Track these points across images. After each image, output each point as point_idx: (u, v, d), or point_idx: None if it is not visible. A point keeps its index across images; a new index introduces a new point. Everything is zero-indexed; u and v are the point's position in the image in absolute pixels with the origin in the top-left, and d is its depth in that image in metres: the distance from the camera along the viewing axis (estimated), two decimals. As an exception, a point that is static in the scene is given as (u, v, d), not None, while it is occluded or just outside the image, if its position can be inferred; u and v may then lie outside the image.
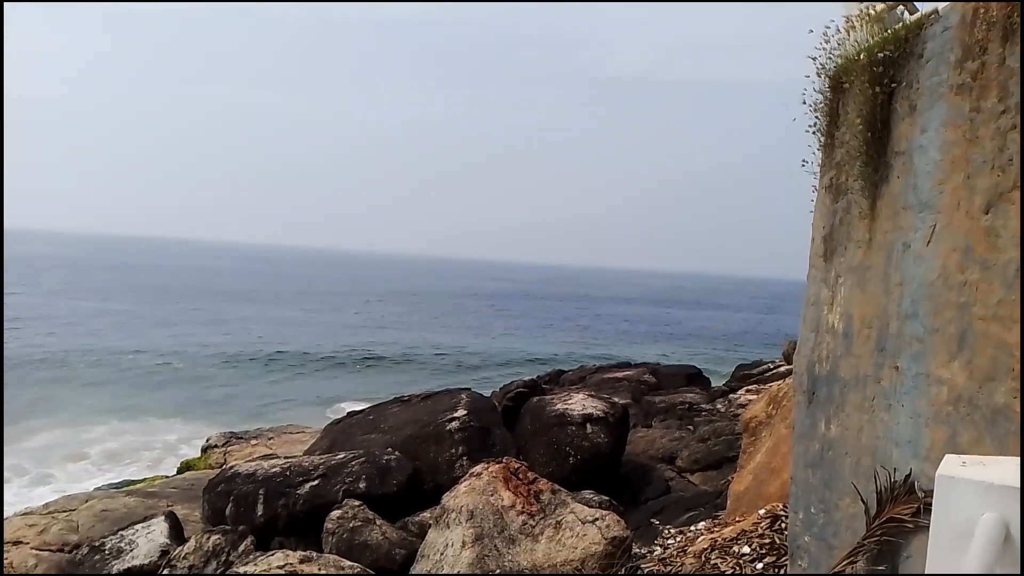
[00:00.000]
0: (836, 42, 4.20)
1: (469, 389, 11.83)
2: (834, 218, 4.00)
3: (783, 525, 4.73)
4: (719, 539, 4.89)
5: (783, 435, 6.11)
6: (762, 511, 5.10)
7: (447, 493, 6.70)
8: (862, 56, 3.84)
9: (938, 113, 3.27)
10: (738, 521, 5.42)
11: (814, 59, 4.35)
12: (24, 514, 10.53)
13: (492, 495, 6.37)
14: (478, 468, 6.72)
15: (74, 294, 60.22)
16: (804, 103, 4.40)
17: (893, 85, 3.58)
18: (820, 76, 4.29)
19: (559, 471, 9.45)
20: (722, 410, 13.17)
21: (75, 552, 8.32)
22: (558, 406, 10.36)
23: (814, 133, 4.41)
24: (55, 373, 29.04)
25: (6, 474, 16.87)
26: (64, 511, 10.30)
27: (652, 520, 8.85)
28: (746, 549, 4.62)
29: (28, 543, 9.65)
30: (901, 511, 3.14)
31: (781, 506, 5.00)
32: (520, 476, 6.61)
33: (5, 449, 18.46)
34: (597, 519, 6.12)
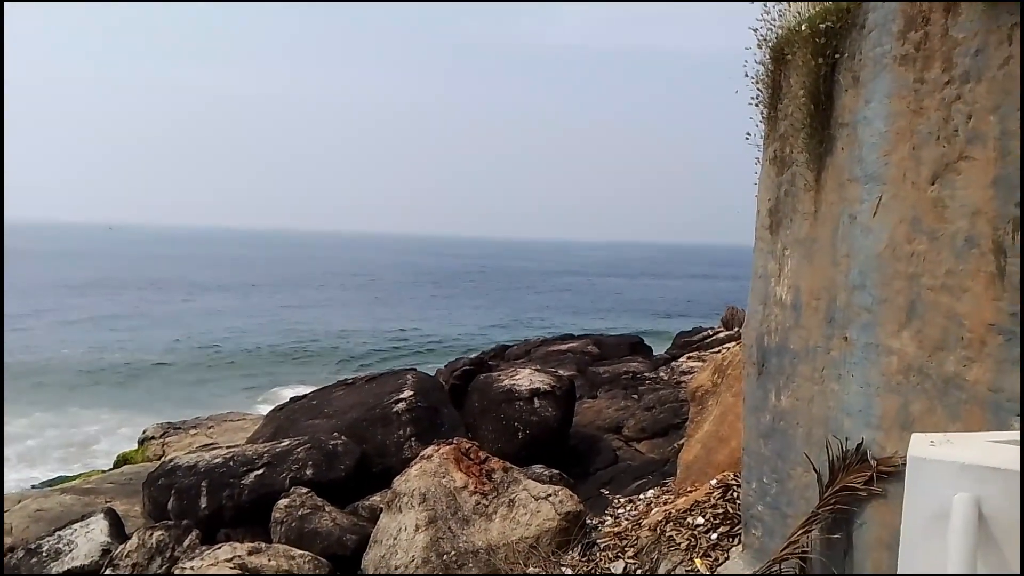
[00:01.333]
0: (777, 13, 4.19)
1: (414, 370, 11.72)
2: (779, 191, 4.01)
3: (735, 495, 4.80)
4: (672, 511, 4.93)
5: (730, 404, 6.20)
6: (714, 481, 5.17)
7: (398, 477, 6.62)
8: (804, 27, 3.82)
9: (882, 84, 3.28)
10: (690, 491, 5.48)
11: (755, 30, 4.33)
12: (-49, 518, 10.05)
13: (444, 477, 6.32)
14: (428, 450, 6.65)
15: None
16: (746, 75, 4.40)
17: (836, 56, 3.58)
18: (761, 48, 4.28)
19: (509, 447, 9.45)
20: (665, 378, 13.36)
21: (10, 556, 7.97)
22: (505, 382, 10.34)
23: (756, 105, 4.41)
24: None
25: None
26: (-6, 513, 9.86)
27: (602, 490, 8.94)
28: (700, 520, 4.67)
29: (-43, 549, 9.21)
30: (854, 480, 3.19)
31: (732, 475, 5.07)
32: (471, 456, 6.57)
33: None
34: (550, 495, 6.13)
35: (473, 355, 14.87)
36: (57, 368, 27.67)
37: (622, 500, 7.97)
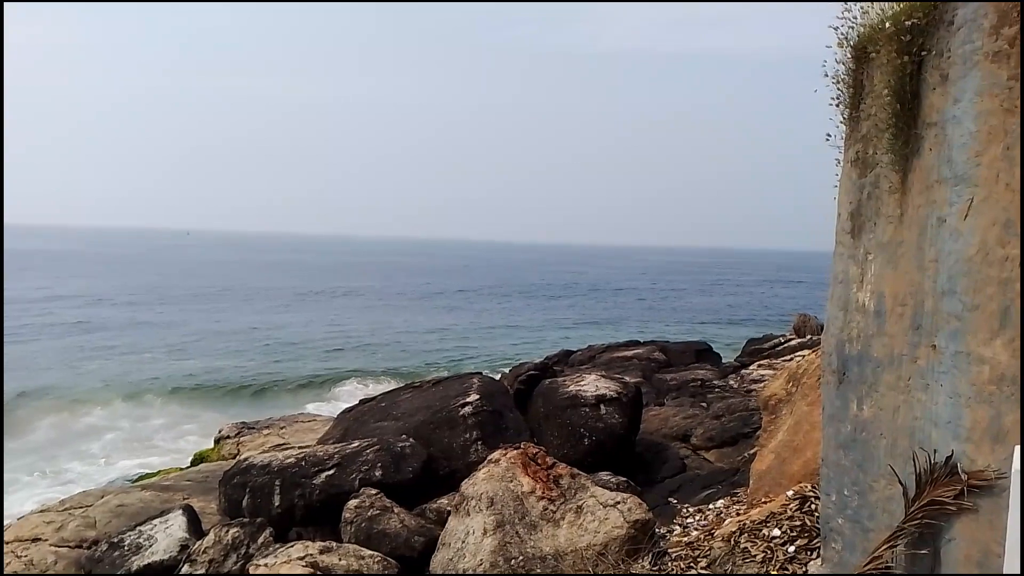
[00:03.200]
0: (859, 11, 4.07)
1: (480, 373, 11.78)
2: (861, 193, 3.89)
3: (813, 507, 4.67)
4: (747, 522, 4.82)
5: (804, 413, 6.04)
6: (790, 492, 5.03)
7: (466, 480, 6.65)
8: (888, 25, 3.71)
9: (972, 82, 3.15)
10: (764, 502, 5.35)
11: (835, 29, 4.22)
12: (41, 511, 10.54)
13: (511, 481, 6.32)
14: (496, 454, 6.66)
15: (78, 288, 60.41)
16: (826, 75, 4.28)
17: (923, 54, 3.46)
18: (842, 47, 4.16)
19: (574, 453, 9.40)
20: (735, 386, 13.11)
21: (94, 548, 8.31)
22: (570, 388, 10.30)
23: (837, 105, 4.29)
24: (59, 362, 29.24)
25: (18, 472, 16.93)
26: (80, 507, 10.29)
27: (669, 499, 8.82)
28: (776, 532, 4.55)
29: (47, 540, 9.64)
30: (943, 494, 3.07)
31: (810, 487, 4.93)
32: (538, 461, 6.56)
33: (13, 445, 18.53)
34: (618, 502, 6.07)
35: (538, 360, 14.88)
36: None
37: (691, 509, 7.85)
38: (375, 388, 22.19)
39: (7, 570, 9.66)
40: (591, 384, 10.22)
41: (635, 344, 18.66)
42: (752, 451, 9.10)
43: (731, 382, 13.48)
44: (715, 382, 13.48)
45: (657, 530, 6.48)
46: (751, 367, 14.29)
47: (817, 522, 4.35)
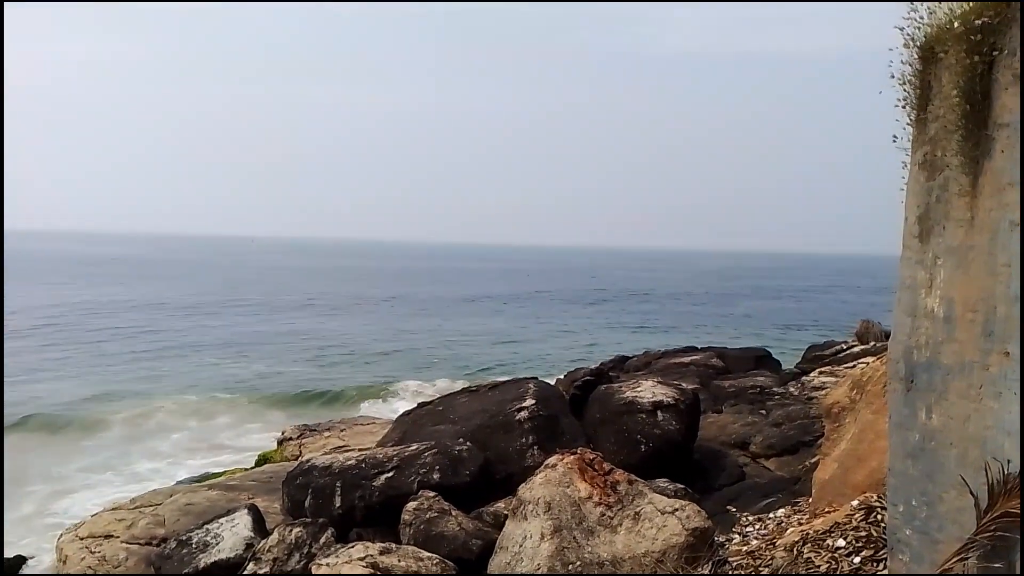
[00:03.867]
0: (926, 11, 3.98)
1: (536, 378, 11.80)
2: (930, 196, 3.81)
3: (879, 517, 4.56)
4: (810, 531, 4.74)
5: (869, 421, 5.91)
6: (855, 502, 4.93)
7: (523, 485, 6.68)
8: (956, 24, 3.63)
9: (1047, 82, 3.07)
10: (828, 512, 5.25)
11: (901, 29, 4.14)
12: (113, 509, 10.94)
13: (568, 486, 6.33)
14: (553, 459, 6.68)
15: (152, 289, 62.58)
16: (892, 76, 4.20)
17: (994, 53, 3.38)
18: (908, 48, 4.08)
19: (630, 459, 9.35)
20: (795, 393, 12.84)
21: (163, 546, 8.60)
22: (627, 393, 10.25)
23: (903, 107, 4.20)
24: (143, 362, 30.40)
25: (93, 469, 17.63)
26: (150, 505, 10.66)
27: (728, 507, 8.71)
28: (841, 542, 4.47)
29: (118, 537, 10.02)
30: (1017, 505, 2.98)
31: (876, 497, 4.82)
32: (595, 467, 6.56)
33: (89, 443, 19.29)
34: (677, 509, 6.03)
35: (593, 366, 14.83)
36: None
37: (750, 518, 7.73)
38: (432, 392, 22.43)
39: (82, 565, 10.07)
40: (648, 390, 10.15)
41: (692, 350, 18.43)
42: (814, 459, 8.92)
43: (791, 389, 13.21)
44: (775, 389, 13.22)
45: (716, 538, 6.41)
46: (812, 374, 13.97)
47: (883, 533, 4.26)
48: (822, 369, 14.14)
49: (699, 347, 19.26)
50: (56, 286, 63.30)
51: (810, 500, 6.68)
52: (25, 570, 12.19)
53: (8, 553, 12.86)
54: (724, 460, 10.50)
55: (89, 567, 9.79)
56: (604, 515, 6.13)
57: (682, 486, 8.54)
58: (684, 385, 11.20)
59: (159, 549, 8.63)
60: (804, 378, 13.82)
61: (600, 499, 6.20)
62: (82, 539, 10.26)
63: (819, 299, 77.34)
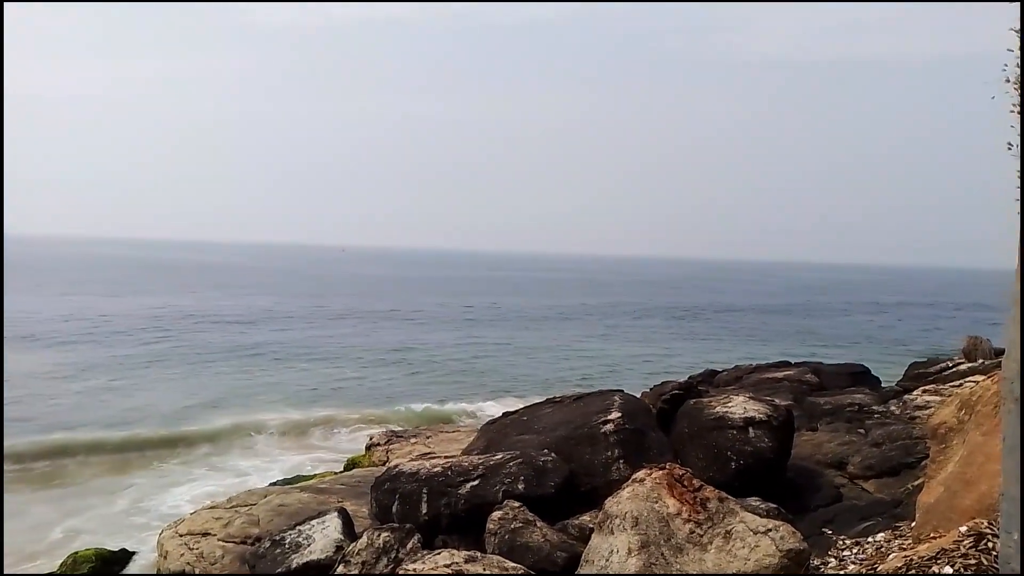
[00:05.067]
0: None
1: (621, 391, 11.67)
2: (1049, 206, 3.58)
3: (990, 545, 4.29)
4: (914, 557, 4.50)
5: (979, 443, 5.58)
6: (963, 528, 4.65)
7: (609, 498, 6.60)
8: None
9: None
10: (933, 537, 4.98)
11: (1016, 31, 3.92)
12: (211, 507, 11.40)
13: (656, 502, 6.22)
14: (640, 474, 6.57)
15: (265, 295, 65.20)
16: (1007, 80, 3.99)
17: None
18: (1025, 49, 3.86)
19: (719, 476, 9.12)
20: (896, 412, 12.26)
21: (257, 545, 8.88)
22: (717, 409, 10.01)
23: (1019, 113, 3.98)
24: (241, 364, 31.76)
25: (195, 465, 18.46)
26: (245, 505, 11.05)
27: (823, 529, 8.38)
28: (948, 570, 4.22)
29: (215, 535, 10.42)
30: None
31: (986, 523, 4.54)
32: (685, 483, 6.41)
33: (193, 441, 20.22)
34: (770, 530, 5.83)
35: (681, 379, 14.55)
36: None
37: (847, 542, 7.43)
38: (515, 402, 22.52)
39: (181, 561, 10.51)
40: (739, 405, 9.89)
41: (785, 365, 17.86)
42: (917, 482, 8.50)
43: (892, 408, 12.62)
44: (874, 407, 12.66)
45: (811, 562, 6.17)
46: (915, 392, 13.31)
47: (995, 562, 4.00)
48: (926, 387, 13.46)
49: (793, 362, 18.66)
50: (163, 294, 66.75)
51: (913, 524, 6.35)
52: (131, 567, 12.85)
53: (113, 546, 13.59)
54: (819, 480, 10.12)
55: (188, 563, 10.21)
56: (693, 532, 5.99)
57: (775, 506, 8.27)
58: (777, 401, 10.85)
59: (253, 548, 8.92)
60: (906, 396, 13.19)
61: (689, 516, 6.06)
62: (181, 536, 10.72)
63: (918, 314, 73.85)
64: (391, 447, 14.17)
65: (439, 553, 7.03)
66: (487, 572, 6.77)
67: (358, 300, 68.92)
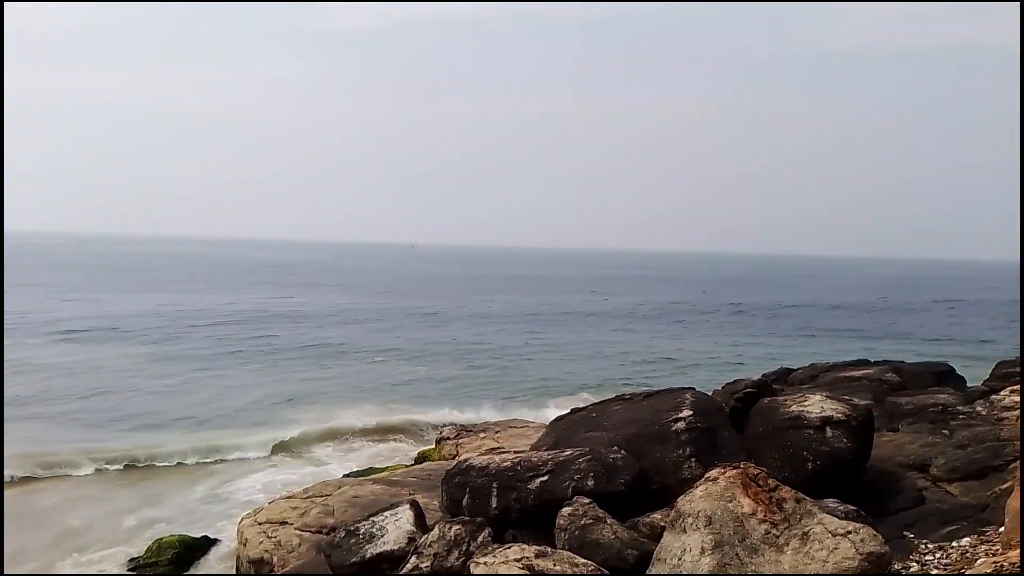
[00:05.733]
0: None
1: (693, 388, 11.51)
2: None
3: (1090, 554, 4.09)
4: (1004, 563, 4.31)
5: (1075, 447, 5.30)
6: (1060, 535, 4.44)
7: (682, 496, 6.53)
8: None
9: None
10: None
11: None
12: (287, 497, 11.76)
13: (730, 501, 6.12)
14: (714, 472, 6.48)
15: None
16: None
17: None
18: None
19: (795, 477, 8.90)
20: (983, 413, 11.75)
21: (332, 534, 9.11)
22: (792, 408, 9.78)
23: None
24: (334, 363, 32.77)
25: (282, 453, 19.08)
26: (321, 496, 11.37)
27: (905, 533, 8.12)
28: (1044, 579, 4.04)
29: (292, 524, 10.76)
30: None
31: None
32: (760, 482, 6.30)
33: (276, 434, 20.88)
34: (850, 532, 5.67)
35: (755, 377, 14.24)
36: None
37: (930, 546, 7.20)
38: (581, 399, 22.49)
39: (259, 548, 10.86)
40: (816, 405, 9.64)
41: (864, 364, 17.29)
42: (1005, 486, 8.17)
43: (978, 408, 12.09)
44: (959, 408, 12.15)
45: (892, 566, 5.98)
46: (1002, 392, 12.72)
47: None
48: (1013, 387, 12.85)
49: (872, 360, 18.07)
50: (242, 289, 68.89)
51: (1001, 530, 6.10)
52: (213, 553, 13.33)
53: (195, 532, 14.12)
54: (900, 482, 9.79)
55: (266, 551, 10.57)
56: (769, 533, 5.87)
57: (853, 507, 8.03)
58: (856, 400, 10.53)
59: (329, 537, 9.15)
60: (993, 397, 12.62)
61: (765, 516, 5.94)
62: (260, 524, 11.10)
63: (1006, 312, 70.56)
64: (460, 441, 14.33)
65: (509, 547, 7.06)
66: (557, 567, 6.77)
67: (433, 298, 69.87)
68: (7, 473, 17.24)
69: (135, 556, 13.34)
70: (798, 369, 18.57)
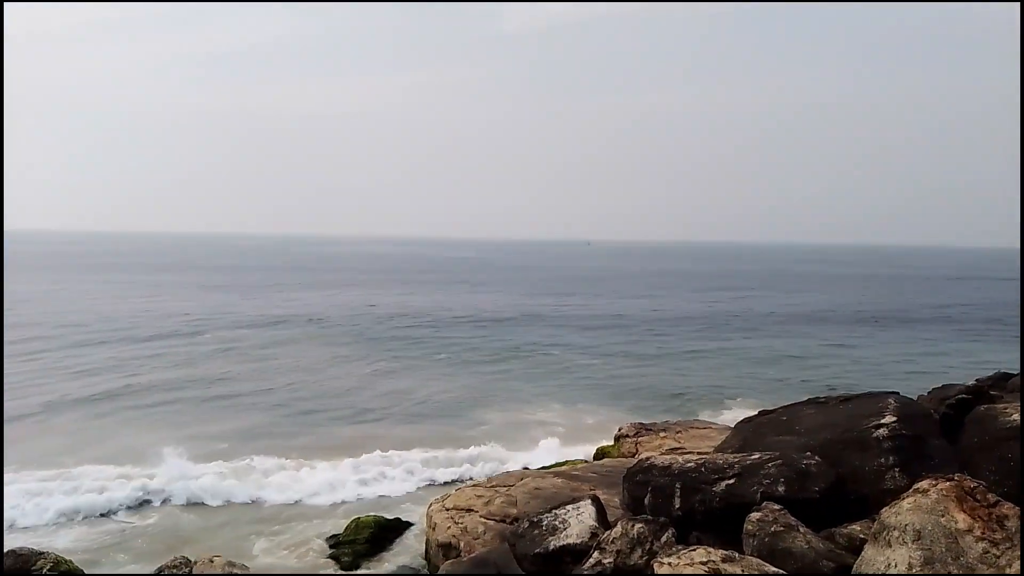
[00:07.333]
0: None
1: (897, 393, 10.68)
2: None
3: None
4: None
5: None
6: None
7: (886, 508, 6.08)
8: None
9: None
10: None
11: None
12: (473, 486, 12.18)
13: (942, 516, 5.62)
14: (924, 484, 5.98)
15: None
16: None
17: None
18: None
19: (1016, 492, 8.02)
20: None
21: (516, 524, 9.33)
22: (1014, 416, 8.80)
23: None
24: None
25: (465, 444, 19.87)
26: (504, 486, 11.67)
27: None
28: None
29: (477, 512, 11.12)
30: None
31: None
32: (977, 497, 5.73)
33: (473, 434, 21.75)
34: (1090, 558, 5.03)
35: (969, 383, 12.96)
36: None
37: None
38: (761, 403, 21.55)
39: (447, 533, 11.33)
40: (1042, 414, 8.62)
41: (1101, 371, 15.24)
42: None
43: None
44: None
45: None
46: None
47: None
48: None
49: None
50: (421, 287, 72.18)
51: None
52: (406, 536, 14.07)
53: (390, 515, 14.96)
54: None
55: (453, 536, 11.00)
56: (988, 552, 5.33)
57: (1091, 532, 7.11)
58: (1095, 411, 9.31)
59: (513, 527, 9.37)
60: None
61: (983, 533, 5.40)
62: (448, 510, 11.56)
63: None
64: (640, 439, 14.17)
65: (695, 549, 6.90)
66: (745, 574, 6.53)
67: (615, 298, 69.75)
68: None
69: (335, 533, 14.34)
70: (1016, 374, 16.68)
